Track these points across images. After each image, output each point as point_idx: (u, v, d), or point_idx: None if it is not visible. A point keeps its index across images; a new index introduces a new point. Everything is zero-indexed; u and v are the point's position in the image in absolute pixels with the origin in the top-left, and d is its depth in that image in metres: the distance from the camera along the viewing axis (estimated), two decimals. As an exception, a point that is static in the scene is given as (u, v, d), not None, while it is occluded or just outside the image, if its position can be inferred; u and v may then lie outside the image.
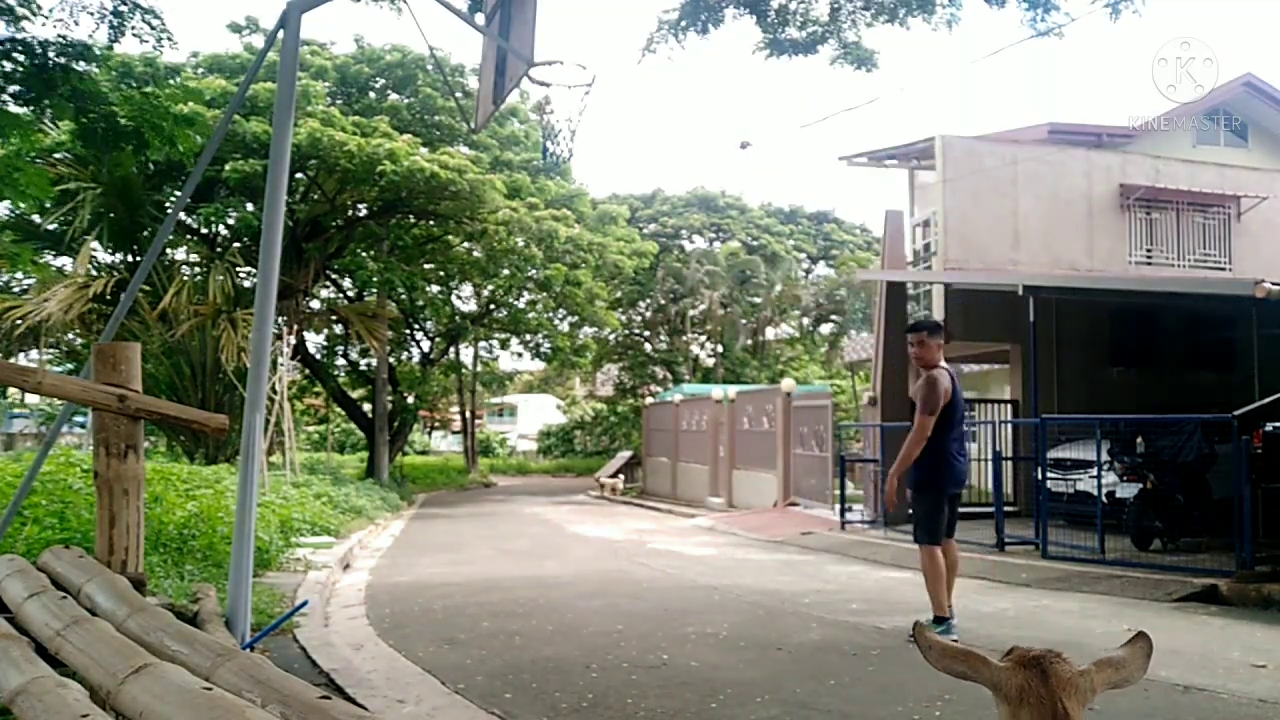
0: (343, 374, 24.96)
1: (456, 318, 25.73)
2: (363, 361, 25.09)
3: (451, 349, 27.95)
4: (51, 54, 7.34)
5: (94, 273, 16.60)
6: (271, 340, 6.33)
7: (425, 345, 27.28)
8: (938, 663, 1.56)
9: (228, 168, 16.34)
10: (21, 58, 7.22)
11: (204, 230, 18.15)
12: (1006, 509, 10.62)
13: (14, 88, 7.45)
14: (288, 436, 14.50)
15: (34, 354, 18.02)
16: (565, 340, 26.60)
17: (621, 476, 23.93)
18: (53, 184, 14.91)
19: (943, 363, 6.05)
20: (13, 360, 15.52)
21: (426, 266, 23.09)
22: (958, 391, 6.01)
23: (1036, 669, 1.46)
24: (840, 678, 4.91)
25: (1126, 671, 1.55)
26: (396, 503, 17.28)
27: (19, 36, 7.36)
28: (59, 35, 7.45)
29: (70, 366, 17.70)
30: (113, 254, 17.63)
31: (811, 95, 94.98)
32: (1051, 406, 12.05)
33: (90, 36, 7.85)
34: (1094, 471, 9.16)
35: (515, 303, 25.41)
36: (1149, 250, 15.32)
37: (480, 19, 6.07)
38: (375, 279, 20.09)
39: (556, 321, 26.78)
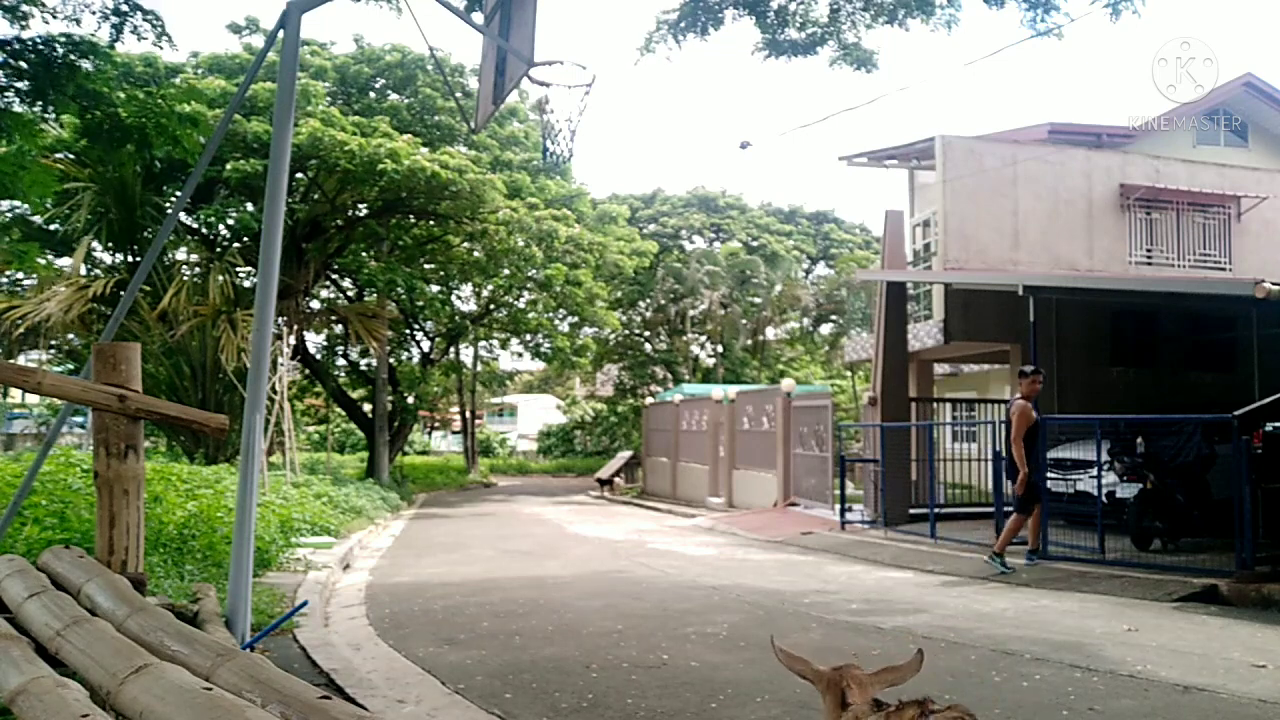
0: (343, 374, 24.95)
1: (456, 318, 25.72)
2: (363, 361, 25.09)
3: (451, 349, 27.94)
4: (59, 50, 7.34)
5: (94, 272, 16.60)
6: (271, 340, 6.32)
7: (425, 345, 27.27)
8: (786, 664, 2.07)
9: (228, 167, 16.35)
10: (32, 56, 7.21)
11: (204, 230, 18.15)
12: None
13: (22, 84, 7.45)
14: (288, 436, 14.50)
15: (34, 354, 18.02)
16: (565, 340, 26.59)
17: (621, 476, 23.92)
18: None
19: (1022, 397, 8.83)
20: (13, 360, 15.51)
21: (426, 266, 23.09)
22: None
23: (837, 672, 1.96)
24: (840, 678, 4.90)
25: (901, 674, 2.01)
26: (396, 503, 17.27)
27: (28, 36, 7.36)
28: (63, 34, 7.46)
29: (70, 366, 17.70)
30: (113, 254, 17.63)
31: (811, 95, 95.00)
32: (1051, 406, 12.04)
33: (93, 34, 7.87)
34: (1094, 471, 9.15)
35: (515, 303, 25.40)
36: (1149, 250, 15.31)
37: (480, 19, 6.07)
38: (377, 279, 20.11)
39: (556, 321, 26.77)
